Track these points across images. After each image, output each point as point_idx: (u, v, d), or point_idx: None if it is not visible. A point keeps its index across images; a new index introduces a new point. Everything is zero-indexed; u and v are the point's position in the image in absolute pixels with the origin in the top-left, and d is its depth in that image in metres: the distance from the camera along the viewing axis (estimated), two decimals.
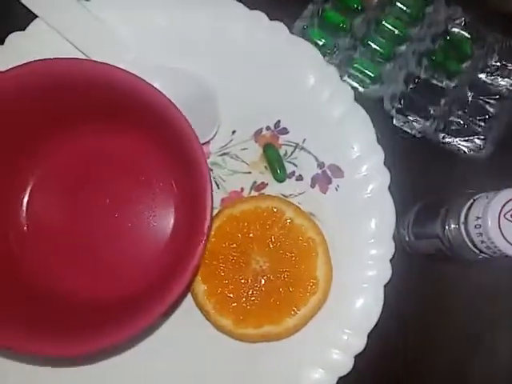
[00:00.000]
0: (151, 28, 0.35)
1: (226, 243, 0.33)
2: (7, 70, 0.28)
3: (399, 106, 0.37)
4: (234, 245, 0.33)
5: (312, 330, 0.33)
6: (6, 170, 0.32)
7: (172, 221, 0.34)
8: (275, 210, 0.33)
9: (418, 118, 0.37)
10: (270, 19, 0.35)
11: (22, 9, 0.34)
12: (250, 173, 0.36)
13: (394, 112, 0.37)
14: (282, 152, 0.35)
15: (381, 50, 0.39)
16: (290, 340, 0.33)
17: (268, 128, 0.36)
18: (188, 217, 0.31)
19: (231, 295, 0.32)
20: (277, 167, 0.35)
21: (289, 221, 0.33)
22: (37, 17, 0.34)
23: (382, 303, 0.33)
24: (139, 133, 0.33)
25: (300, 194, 0.35)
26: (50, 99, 0.30)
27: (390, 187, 0.34)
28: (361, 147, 0.34)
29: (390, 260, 0.33)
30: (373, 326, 0.32)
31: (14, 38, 0.34)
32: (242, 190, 0.35)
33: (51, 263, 0.33)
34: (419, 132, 0.37)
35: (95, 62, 0.29)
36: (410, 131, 0.38)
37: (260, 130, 0.36)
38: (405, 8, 0.39)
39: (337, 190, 0.35)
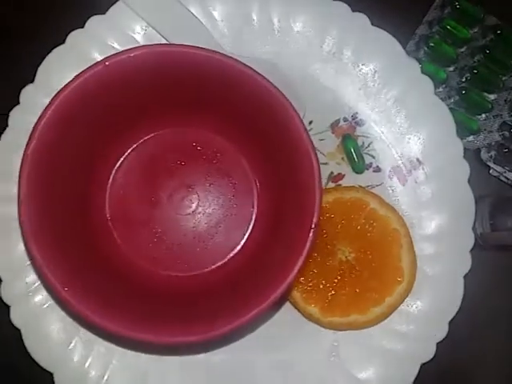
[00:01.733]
0: (231, 16, 0.35)
1: None
2: (110, 56, 0.28)
3: (496, 156, 0.37)
4: (322, 235, 0.33)
5: (395, 318, 0.33)
6: (95, 158, 0.31)
7: (254, 213, 0.33)
8: (359, 200, 0.33)
9: None
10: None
11: None
12: (326, 164, 0.36)
13: (491, 163, 0.37)
14: (359, 143, 0.36)
15: (478, 100, 0.38)
16: (372, 327, 0.33)
17: (345, 119, 0.36)
18: (281, 208, 0.31)
19: (318, 284, 0.33)
20: (356, 158, 0.35)
21: (373, 212, 0.33)
22: (118, 0, 0.34)
23: (462, 293, 0.33)
24: (223, 120, 0.33)
25: (377, 185, 0.35)
26: (146, 87, 0.30)
27: (469, 180, 0.34)
28: (440, 139, 0.35)
29: (470, 251, 0.34)
30: (453, 315, 0.33)
31: (94, 22, 0.34)
32: None
33: (133, 250, 0.33)
34: None
35: (197, 47, 0.29)
36: (506, 181, 0.38)
37: (337, 121, 0.36)
38: (496, 56, 0.38)
39: (416, 182, 0.35)
